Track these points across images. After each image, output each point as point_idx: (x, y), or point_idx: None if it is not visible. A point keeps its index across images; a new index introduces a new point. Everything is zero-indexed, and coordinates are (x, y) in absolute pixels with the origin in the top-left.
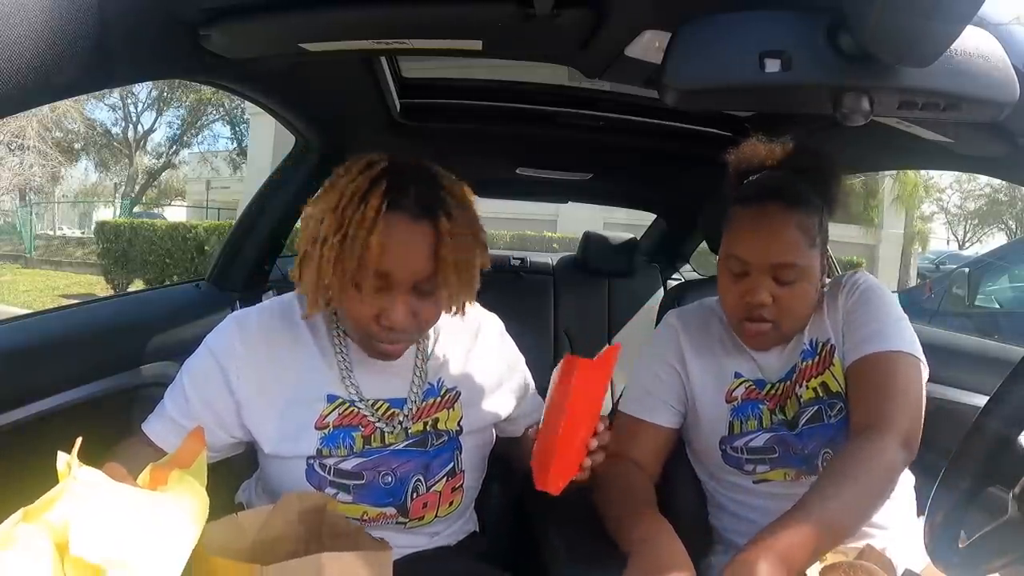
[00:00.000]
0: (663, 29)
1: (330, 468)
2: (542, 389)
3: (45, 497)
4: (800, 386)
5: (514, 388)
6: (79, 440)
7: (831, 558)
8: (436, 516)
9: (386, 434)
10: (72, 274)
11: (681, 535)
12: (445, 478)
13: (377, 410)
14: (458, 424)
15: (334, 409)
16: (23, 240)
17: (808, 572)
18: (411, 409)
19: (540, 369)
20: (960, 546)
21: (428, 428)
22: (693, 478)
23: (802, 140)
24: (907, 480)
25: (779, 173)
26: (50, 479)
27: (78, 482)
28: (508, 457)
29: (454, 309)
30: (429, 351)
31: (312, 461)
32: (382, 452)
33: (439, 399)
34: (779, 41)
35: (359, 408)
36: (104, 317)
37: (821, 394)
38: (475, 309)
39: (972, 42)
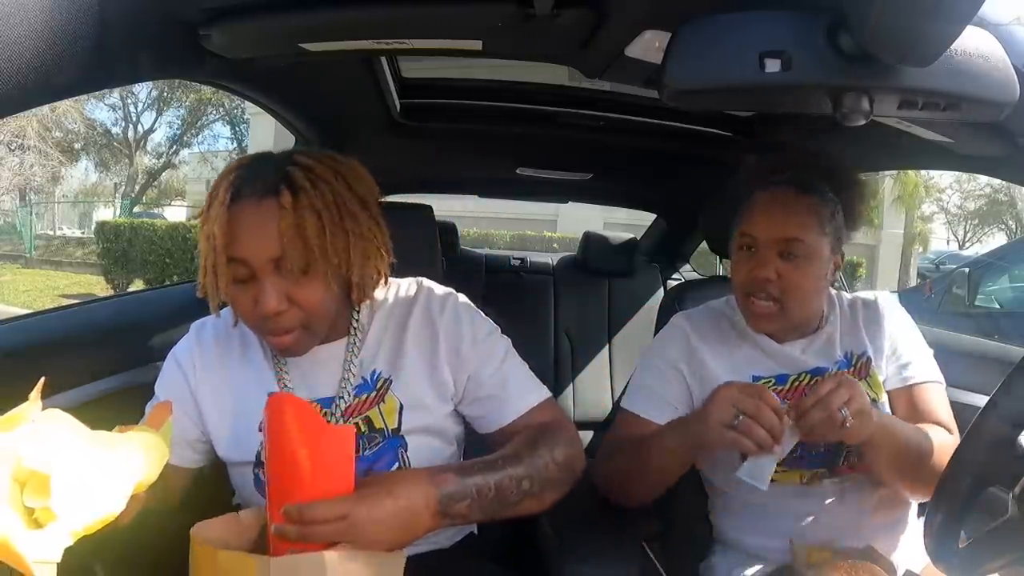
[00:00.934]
0: (663, 29)
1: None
2: None
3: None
4: None
5: (448, 375)
6: (42, 380)
7: (833, 559)
8: None
9: None
10: (72, 274)
11: (681, 535)
12: None
13: None
14: (397, 420)
15: None
16: (23, 240)
17: (806, 572)
18: (339, 406)
19: (540, 369)
20: (960, 546)
21: (360, 430)
22: (694, 478)
23: (806, 141)
24: None
25: (799, 170)
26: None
27: (38, 413)
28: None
29: (357, 288)
30: (361, 343)
31: (257, 470)
32: None
33: (373, 394)
34: (779, 41)
35: None
36: (104, 317)
37: None
38: (416, 284)
39: (972, 42)
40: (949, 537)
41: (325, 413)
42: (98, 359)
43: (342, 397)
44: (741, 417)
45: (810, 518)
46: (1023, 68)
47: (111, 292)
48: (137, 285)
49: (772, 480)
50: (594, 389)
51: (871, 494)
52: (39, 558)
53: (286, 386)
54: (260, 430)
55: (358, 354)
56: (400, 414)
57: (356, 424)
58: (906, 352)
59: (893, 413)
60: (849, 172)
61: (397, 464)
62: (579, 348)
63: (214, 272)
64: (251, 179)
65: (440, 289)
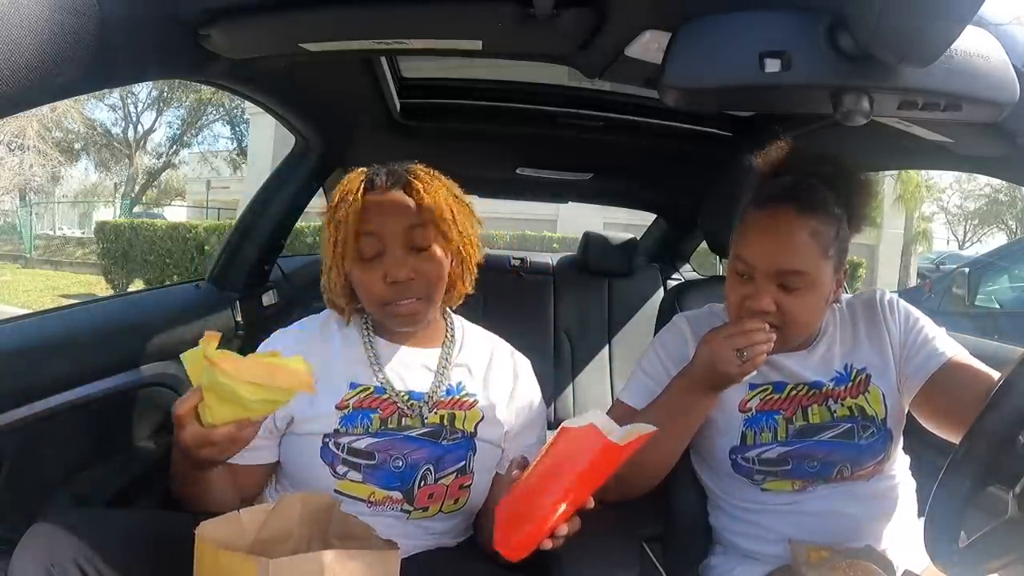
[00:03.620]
0: (663, 29)
1: (344, 446)
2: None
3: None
4: (834, 401)
5: (522, 420)
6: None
7: (831, 556)
8: (440, 510)
9: (403, 418)
10: (72, 274)
11: (681, 535)
12: (455, 474)
13: (401, 398)
14: (475, 427)
15: (357, 394)
16: (23, 240)
17: (805, 571)
18: (430, 399)
19: (539, 370)
20: (960, 546)
21: (444, 422)
22: (693, 478)
23: (806, 141)
24: (904, 480)
25: (799, 178)
26: (50, 478)
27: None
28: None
29: (459, 269)
30: (453, 357)
31: (328, 440)
32: (396, 435)
33: (458, 398)
34: (779, 41)
35: (382, 393)
36: (104, 317)
37: (855, 414)
38: (498, 340)
39: (972, 42)
40: (949, 537)
41: (414, 403)
42: (98, 359)
43: (435, 392)
44: (744, 352)
45: (807, 520)
46: (1023, 68)
47: (111, 292)
48: (137, 285)
49: (764, 489)
50: (594, 389)
51: (869, 495)
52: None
53: (379, 371)
54: (337, 408)
55: (450, 361)
56: (478, 425)
57: (441, 416)
58: (921, 341)
59: (934, 402)
60: (852, 171)
61: (463, 463)
62: (579, 348)
63: (344, 249)
64: (379, 175)
65: (514, 350)
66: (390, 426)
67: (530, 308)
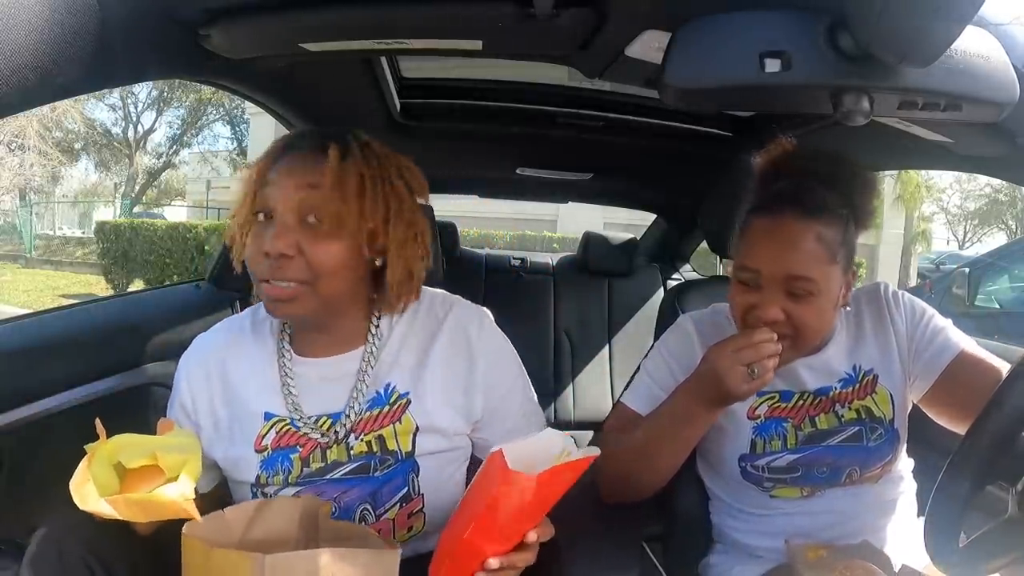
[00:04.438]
0: (663, 29)
1: (271, 496)
2: (542, 396)
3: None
4: (841, 406)
5: (482, 398)
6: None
7: (828, 554)
8: (395, 540)
9: (327, 452)
10: (72, 274)
11: (681, 534)
12: (399, 504)
13: (320, 426)
14: (411, 442)
15: (271, 428)
16: (23, 240)
17: (803, 570)
18: (348, 419)
19: (539, 370)
20: (960, 546)
21: (372, 449)
22: (695, 477)
23: (806, 141)
24: (907, 480)
25: (802, 180)
26: (50, 477)
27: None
28: None
29: (391, 285)
30: (378, 354)
31: (255, 489)
32: (317, 482)
33: (386, 408)
34: (779, 41)
35: (297, 427)
36: (104, 317)
37: (863, 416)
38: (447, 299)
39: (972, 42)
40: (949, 537)
41: (333, 426)
42: (98, 359)
43: (352, 408)
44: (754, 368)
45: (812, 521)
46: (1023, 68)
47: (111, 292)
48: (137, 285)
49: (773, 496)
50: (594, 389)
51: (873, 496)
52: (185, 496)
53: (291, 394)
54: (256, 451)
55: (374, 365)
56: (414, 437)
57: (368, 443)
58: (931, 335)
59: (949, 395)
60: (854, 167)
61: (406, 489)
62: (579, 348)
63: (241, 213)
64: (305, 137)
65: (473, 307)
66: (313, 467)
67: (530, 308)
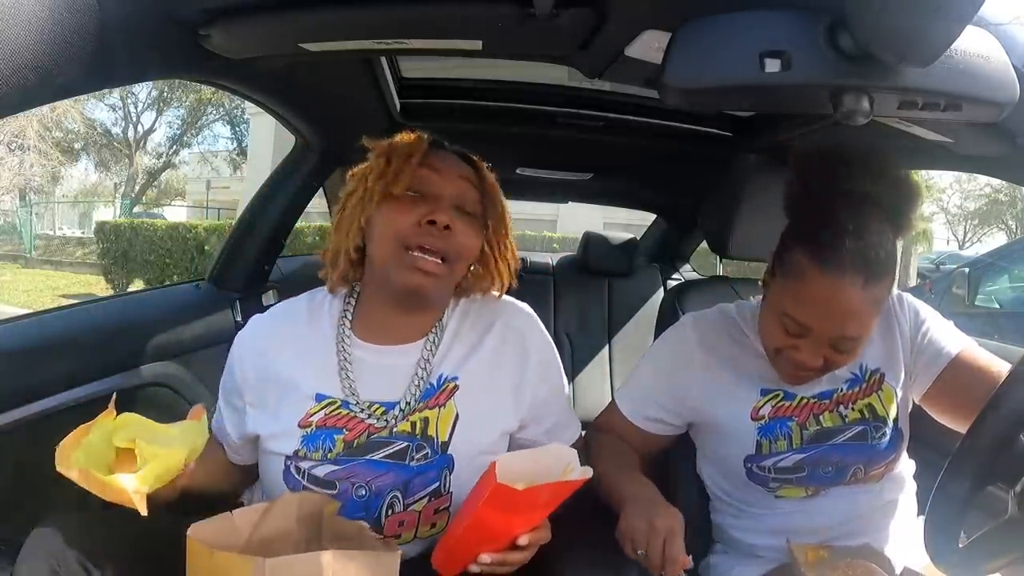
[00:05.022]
0: (663, 29)
1: (304, 472)
2: None
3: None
4: (845, 407)
5: (530, 394)
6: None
7: (829, 555)
8: (415, 536)
9: (372, 434)
10: (72, 274)
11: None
12: (427, 498)
13: (373, 412)
14: (449, 433)
15: (321, 409)
16: (23, 240)
17: (804, 571)
18: (402, 411)
19: None
20: (960, 546)
21: (415, 431)
22: (694, 477)
23: (806, 141)
24: (907, 480)
25: (863, 232)
26: (51, 477)
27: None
28: None
29: (492, 265)
30: (440, 348)
31: (289, 462)
32: (356, 461)
33: (436, 395)
34: (779, 41)
35: (351, 409)
36: (104, 317)
37: (867, 415)
38: (502, 301)
39: (972, 42)
40: (949, 537)
41: (385, 415)
42: (98, 359)
43: (408, 402)
44: (641, 552)
45: (813, 519)
46: (1023, 68)
47: (111, 292)
48: (137, 285)
49: (778, 496)
50: (594, 389)
51: (875, 495)
52: (134, 489)
53: (348, 377)
54: (299, 426)
55: (432, 359)
56: (454, 427)
57: (413, 423)
58: (931, 337)
59: (946, 396)
60: (902, 179)
61: (436, 484)
62: (579, 348)
63: (384, 185)
64: (441, 143)
65: (523, 306)
66: (355, 448)
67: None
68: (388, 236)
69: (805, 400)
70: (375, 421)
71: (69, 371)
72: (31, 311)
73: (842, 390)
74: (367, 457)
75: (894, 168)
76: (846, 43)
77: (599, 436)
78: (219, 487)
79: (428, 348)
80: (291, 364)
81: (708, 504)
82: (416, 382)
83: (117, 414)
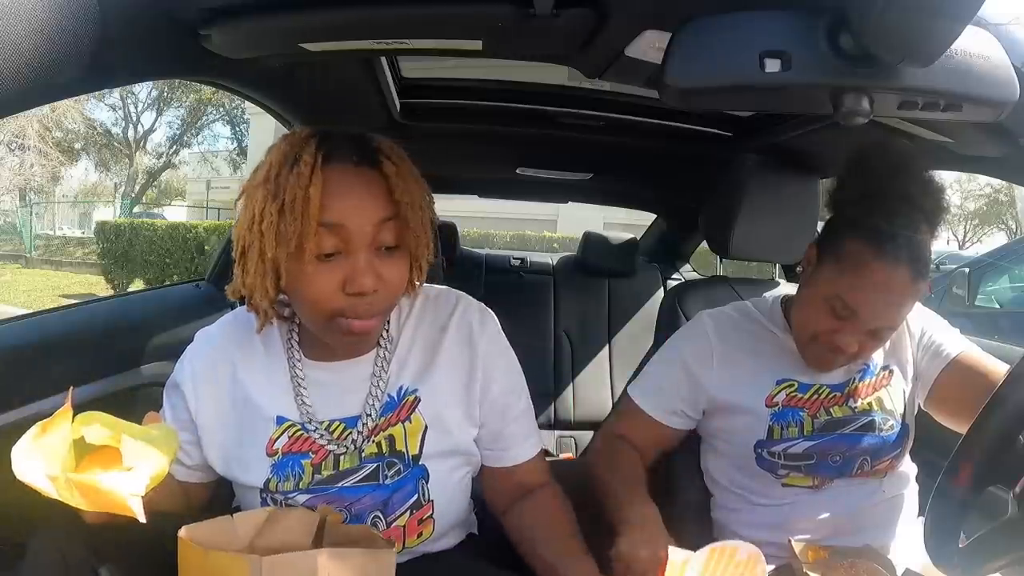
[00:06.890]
0: (663, 29)
1: (281, 503)
2: (541, 396)
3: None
4: (855, 400)
5: (479, 390)
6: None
7: (830, 555)
8: (404, 548)
9: (340, 459)
10: (72, 274)
11: (683, 528)
12: (408, 512)
13: (332, 432)
14: (419, 444)
15: (283, 432)
16: (23, 240)
17: (805, 571)
18: (365, 425)
19: (539, 370)
20: (960, 546)
21: (382, 450)
22: (696, 474)
23: (806, 141)
24: (910, 480)
25: (916, 230)
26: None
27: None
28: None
29: (416, 275)
30: (390, 357)
31: (264, 495)
32: (329, 489)
33: (398, 410)
34: (779, 41)
35: (309, 432)
36: (104, 317)
37: (876, 407)
38: (450, 296)
39: (972, 42)
40: (949, 537)
41: (349, 433)
42: (98, 359)
43: (369, 415)
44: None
45: (816, 513)
46: (1023, 68)
47: (111, 292)
48: (137, 285)
49: (784, 484)
50: (594, 389)
51: (877, 491)
52: (132, 491)
53: (304, 403)
54: (268, 455)
55: (387, 369)
56: (423, 436)
57: (378, 444)
58: (934, 340)
59: (947, 399)
60: (935, 186)
61: (416, 496)
62: (579, 348)
63: (288, 241)
64: (336, 143)
65: (477, 304)
66: (324, 474)
67: (530, 308)
68: (308, 305)
69: (817, 393)
70: (336, 447)
71: (69, 371)
72: (31, 311)
73: (854, 382)
74: (339, 485)
75: (934, 176)
76: (846, 43)
77: (613, 443)
78: (175, 507)
79: (382, 355)
80: (248, 384)
81: (708, 502)
82: (375, 392)
83: (74, 414)
